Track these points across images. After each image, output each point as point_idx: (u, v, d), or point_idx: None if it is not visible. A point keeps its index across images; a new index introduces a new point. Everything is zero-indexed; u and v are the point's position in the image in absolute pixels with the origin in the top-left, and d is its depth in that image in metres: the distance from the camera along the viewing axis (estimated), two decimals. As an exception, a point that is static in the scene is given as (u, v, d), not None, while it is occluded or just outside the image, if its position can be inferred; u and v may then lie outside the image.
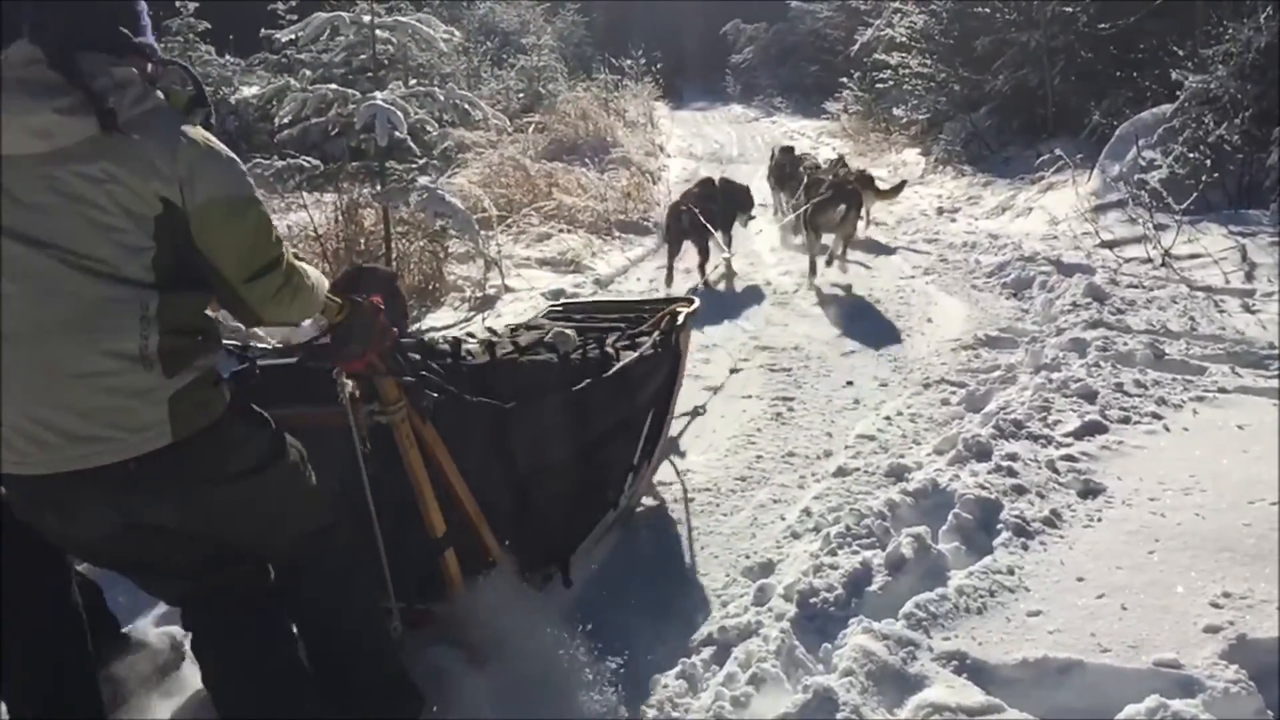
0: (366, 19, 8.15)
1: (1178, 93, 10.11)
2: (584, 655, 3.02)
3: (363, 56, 8.87)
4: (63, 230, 2.01)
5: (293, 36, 8.12)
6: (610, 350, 3.91)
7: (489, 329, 4.15)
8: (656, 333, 4.32)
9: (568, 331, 3.94)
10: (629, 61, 25.34)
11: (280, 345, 3.37)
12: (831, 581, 3.41)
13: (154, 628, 3.21)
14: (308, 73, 11.20)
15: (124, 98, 2.06)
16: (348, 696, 2.61)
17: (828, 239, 9.12)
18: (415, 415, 2.78)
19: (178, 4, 13.85)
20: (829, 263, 9.00)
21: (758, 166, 14.29)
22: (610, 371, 3.73)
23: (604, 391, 3.68)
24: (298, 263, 2.36)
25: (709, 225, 8.82)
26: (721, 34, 42.02)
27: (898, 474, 4.42)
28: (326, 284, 2.52)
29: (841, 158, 11.93)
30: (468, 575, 3.01)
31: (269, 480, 2.37)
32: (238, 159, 2.23)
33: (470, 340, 3.73)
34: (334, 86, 8.04)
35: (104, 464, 2.07)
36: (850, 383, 6.02)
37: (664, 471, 4.66)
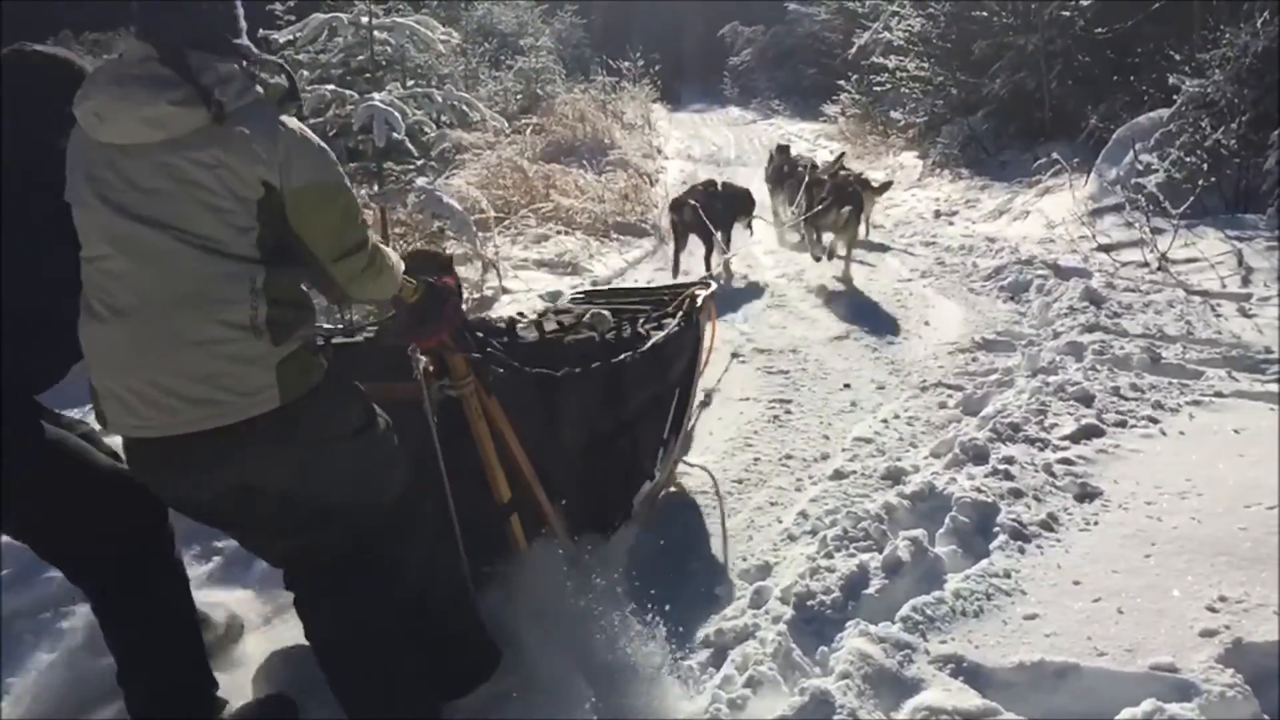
0: (364, 20, 8.15)
1: (1175, 97, 10.12)
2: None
3: (361, 57, 8.86)
4: (178, 212, 2.23)
5: (291, 37, 8.11)
6: (641, 331, 4.12)
7: (520, 314, 4.29)
8: (680, 314, 4.48)
9: (604, 312, 4.18)
10: (627, 63, 25.36)
11: (342, 326, 3.50)
12: (828, 584, 3.42)
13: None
14: (305, 73, 11.14)
15: (228, 91, 2.27)
16: (433, 652, 2.80)
17: (827, 237, 9.18)
18: (482, 389, 3.00)
19: (176, 4, 13.87)
20: (830, 258, 9.04)
21: (756, 169, 14.32)
22: (645, 347, 3.93)
23: (639, 368, 3.87)
24: (381, 246, 2.56)
25: (710, 223, 8.89)
26: (719, 36, 42.11)
27: (895, 477, 4.43)
28: (403, 266, 2.70)
29: (843, 154, 11.97)
30: (529, 539, 3.22)
31: (363, 445, 2.57)
32: (328, 148, 2.42)
33: (521, 320, 3.96)
34: (332, 87, 8.02)
35: (219, 426, 2.28)
36: (847, 385, 6.02)
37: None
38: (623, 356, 3.75)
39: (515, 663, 2.99)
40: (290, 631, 3.40)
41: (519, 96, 19.71)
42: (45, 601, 3.53)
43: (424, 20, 8.81)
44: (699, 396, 5.13)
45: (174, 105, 2.20)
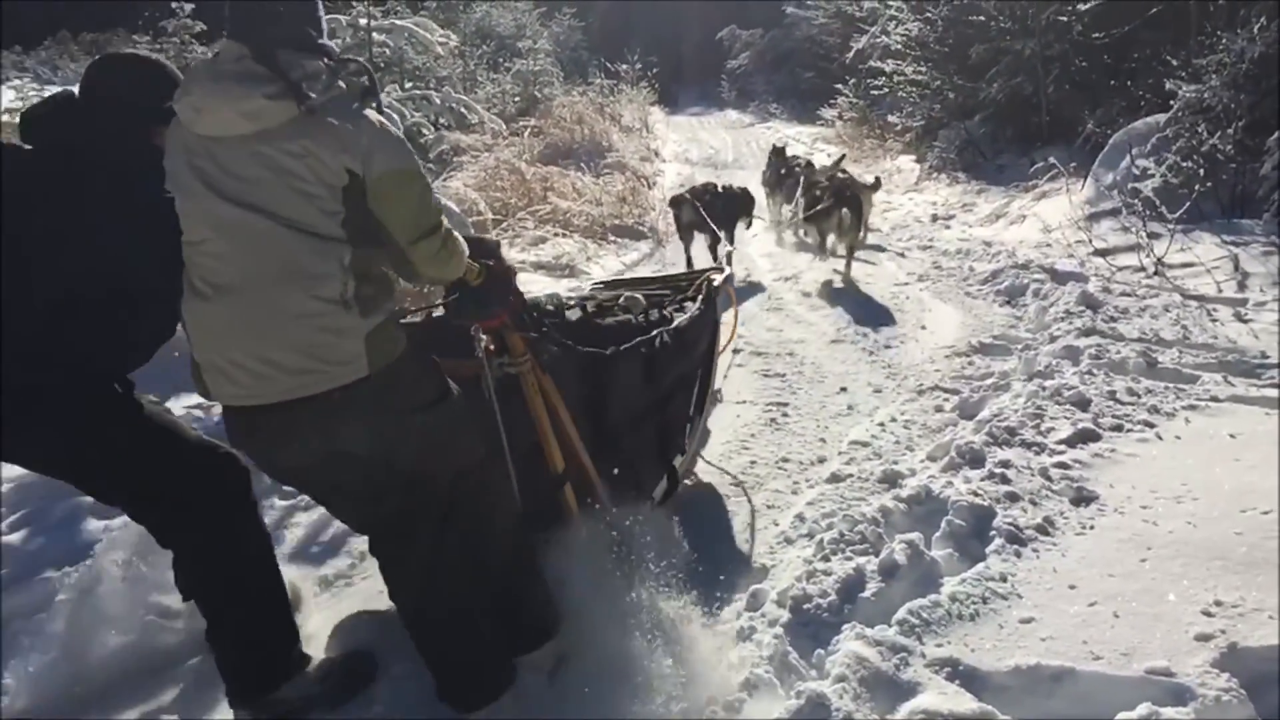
0: (363, 22, 8.16)
1: (1171, 102, 10.14)
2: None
3: (359, 59, 8.88)
4: (272, 198, 2.43)
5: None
6: (666, 314, 4.33)
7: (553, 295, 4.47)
8: (700, 297, 4.69)
9: (637, 296, 4.46)
10: (625, 66, 25.39)
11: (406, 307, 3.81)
12: (825, 587, 3.42)
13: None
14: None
15: (315, 86, 2.47)
16: (506, 611, 3.03)
17: (829, 239, 9.29)
18: (537, 366, 3.18)
19: (174, 5, 13.83)
20: (834, 253, 9.12)
21: (754, 172, 14.33)
22: (673, 327, 4.14)
23: (670, 348, 4.08)
24: (453, 231, 2.75)
25: (710, 221, 8.96)
26: (717, 40, 42.15)
27: (891, 480, 4.43)
28: (467, 250, 2.86)
29: (843, 156, 11.99)
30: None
31: (441, 414, 2.76)
32: (405, 139, 2.63)
33: (568, 303, 4.19)
34: (330, 89, 8.03)
35: (314, 393, 2.48)
36: (844, 389, 6.02)
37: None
38: (655, 335, 3.96)
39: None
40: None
41: (517, 99, 19.70)
42: (41, 602, 3.54)
43: (422, 22, 8.83)
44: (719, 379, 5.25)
45: (267, 99, 2.40)
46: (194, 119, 2.47)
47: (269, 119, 2.42)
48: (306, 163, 2.43)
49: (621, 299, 4.39)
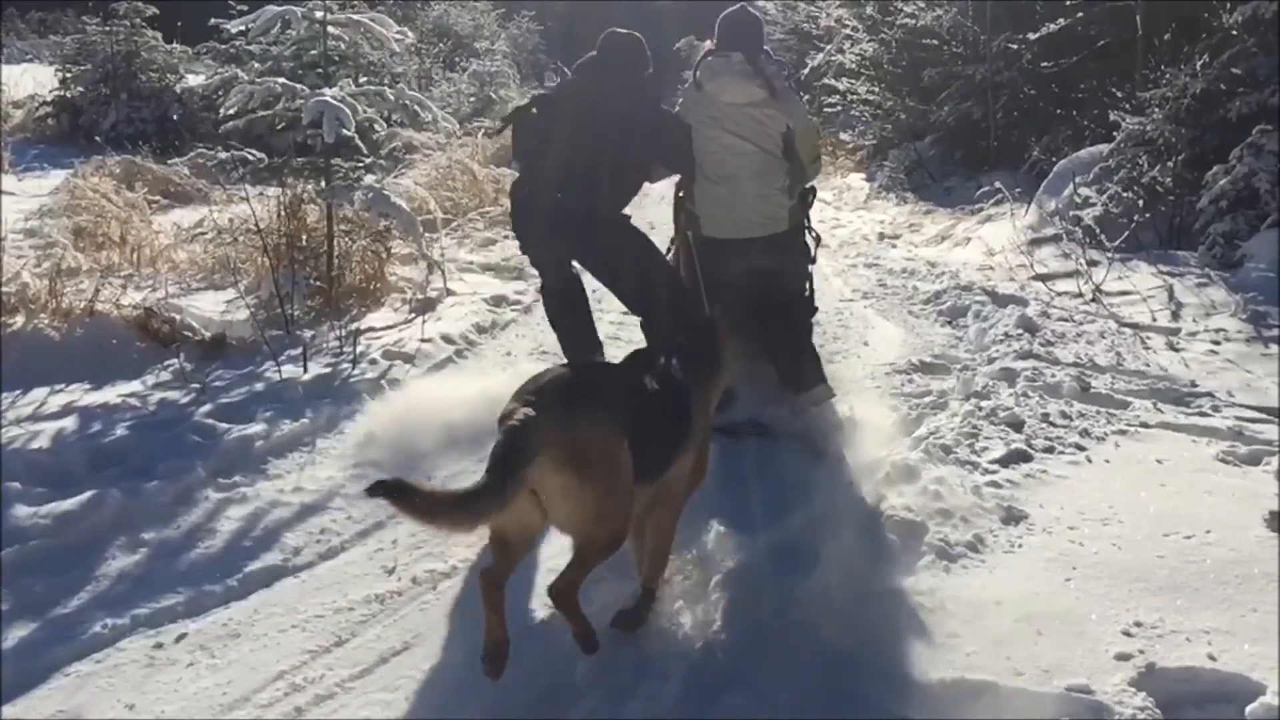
0: (319, 14, 8.04)
1: (1115, 133, 10.31)
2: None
3: (313, 52, 8.70)
4: (754, 135, 5.05)
5: (243, 27, 7.98)
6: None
7: None
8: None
9: None
10: (582, 71, 25.31)
11: None
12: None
13: None
14: (256, 65, 10.94)
15: (774, 79, 5.07)
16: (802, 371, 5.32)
17: None
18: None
19: (124, -13, 13.64)
20: None
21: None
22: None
23: None
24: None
25: None
26: (675, 50, 42.20)
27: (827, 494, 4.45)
28: None
29: None
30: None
31: (807, 259, 5.44)
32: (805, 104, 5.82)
33: None
34: (282, 80, 7.90)
35: (763, 235, 5.13)
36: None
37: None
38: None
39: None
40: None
41: (472, 99, 19.65)
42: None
43: (379, 18, 8.71)
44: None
45: (758, 88, 5.01)
46: (719, 93, 5.06)
47: (756, 97, 5.01)
48: (771, 120, 5.02)
49: None
